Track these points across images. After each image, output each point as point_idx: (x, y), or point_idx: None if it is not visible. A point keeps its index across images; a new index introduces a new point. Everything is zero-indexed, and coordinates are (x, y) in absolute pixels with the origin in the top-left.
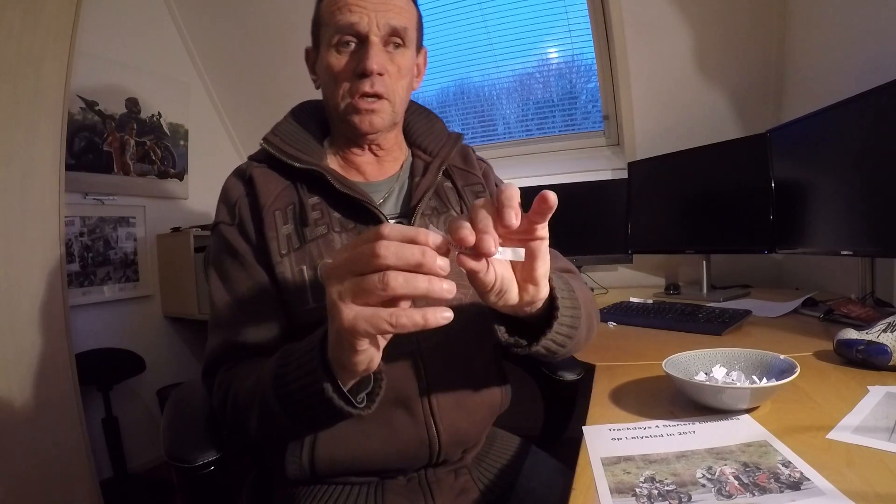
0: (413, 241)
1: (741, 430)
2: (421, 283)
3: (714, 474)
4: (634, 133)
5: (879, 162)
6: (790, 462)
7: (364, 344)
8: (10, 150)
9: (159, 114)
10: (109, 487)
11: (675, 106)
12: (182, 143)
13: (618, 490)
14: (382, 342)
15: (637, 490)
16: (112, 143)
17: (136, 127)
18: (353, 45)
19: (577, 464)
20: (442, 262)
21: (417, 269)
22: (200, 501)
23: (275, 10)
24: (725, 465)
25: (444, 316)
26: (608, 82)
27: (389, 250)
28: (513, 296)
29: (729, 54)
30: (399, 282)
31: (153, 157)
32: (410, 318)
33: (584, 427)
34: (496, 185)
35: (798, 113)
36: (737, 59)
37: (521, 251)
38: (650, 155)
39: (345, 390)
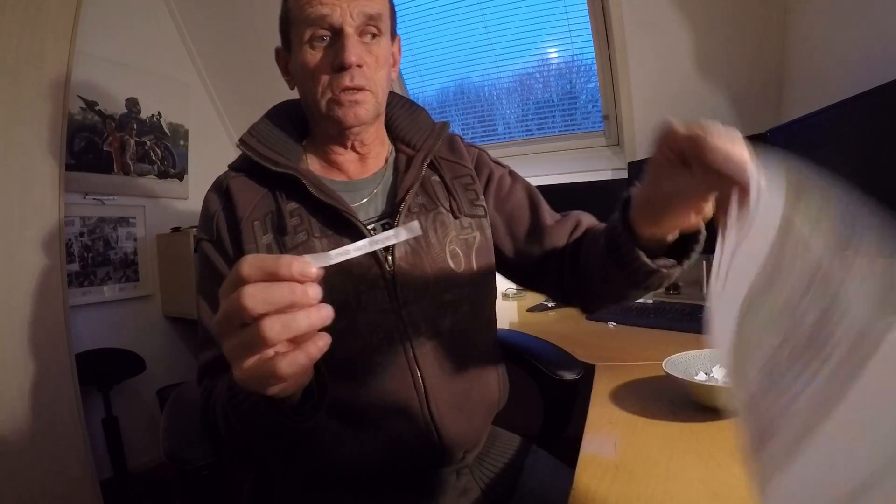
0: (275, 275)
1: None
2: (301, 323)
3: None
4: (634, 133)
5: (879, 162)
6: None
7: (267, 389)
8: (10, 150)
9: (159, 114)
10: (109, 487)
11: (675, 106)
12: (182, 143)
13: None
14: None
15: None
16: (112, 143)
17: (136, 127)
18: (327, 40)
19: (577, 463)
20: (313, 292)
21: (290, 308)
22: (200, 502)
23: (275, 9)
24: None
25: (321, 345)
26: (608, 82)
27: (256, 299)
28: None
29: (729, 54)
30: (277, 330)
31: (153, 157)
32: (294, 364)
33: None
34: (496, 165)
35: (798, 113)
36: (737, 58)
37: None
38: (650, 155)
39: (282, 408)
